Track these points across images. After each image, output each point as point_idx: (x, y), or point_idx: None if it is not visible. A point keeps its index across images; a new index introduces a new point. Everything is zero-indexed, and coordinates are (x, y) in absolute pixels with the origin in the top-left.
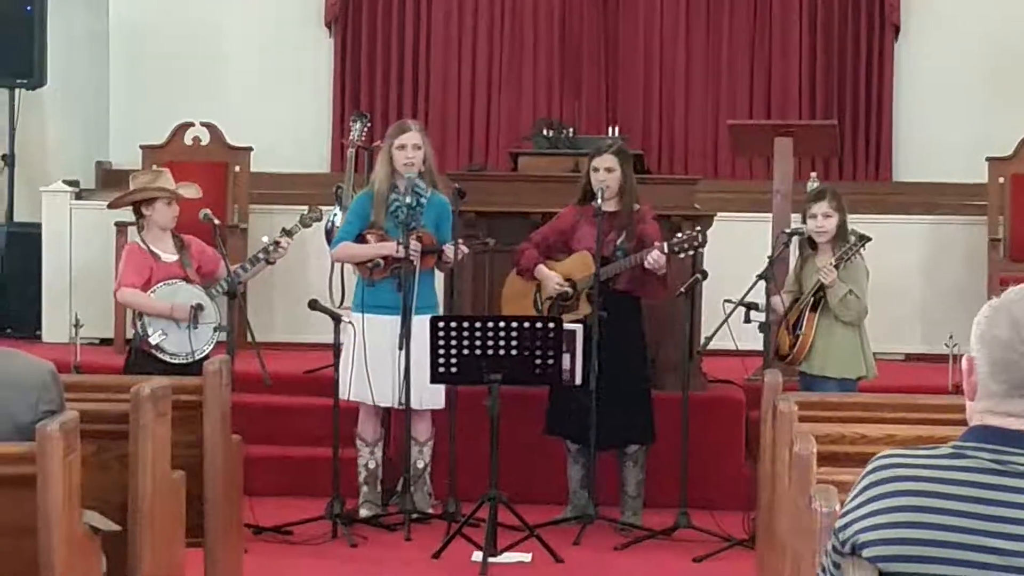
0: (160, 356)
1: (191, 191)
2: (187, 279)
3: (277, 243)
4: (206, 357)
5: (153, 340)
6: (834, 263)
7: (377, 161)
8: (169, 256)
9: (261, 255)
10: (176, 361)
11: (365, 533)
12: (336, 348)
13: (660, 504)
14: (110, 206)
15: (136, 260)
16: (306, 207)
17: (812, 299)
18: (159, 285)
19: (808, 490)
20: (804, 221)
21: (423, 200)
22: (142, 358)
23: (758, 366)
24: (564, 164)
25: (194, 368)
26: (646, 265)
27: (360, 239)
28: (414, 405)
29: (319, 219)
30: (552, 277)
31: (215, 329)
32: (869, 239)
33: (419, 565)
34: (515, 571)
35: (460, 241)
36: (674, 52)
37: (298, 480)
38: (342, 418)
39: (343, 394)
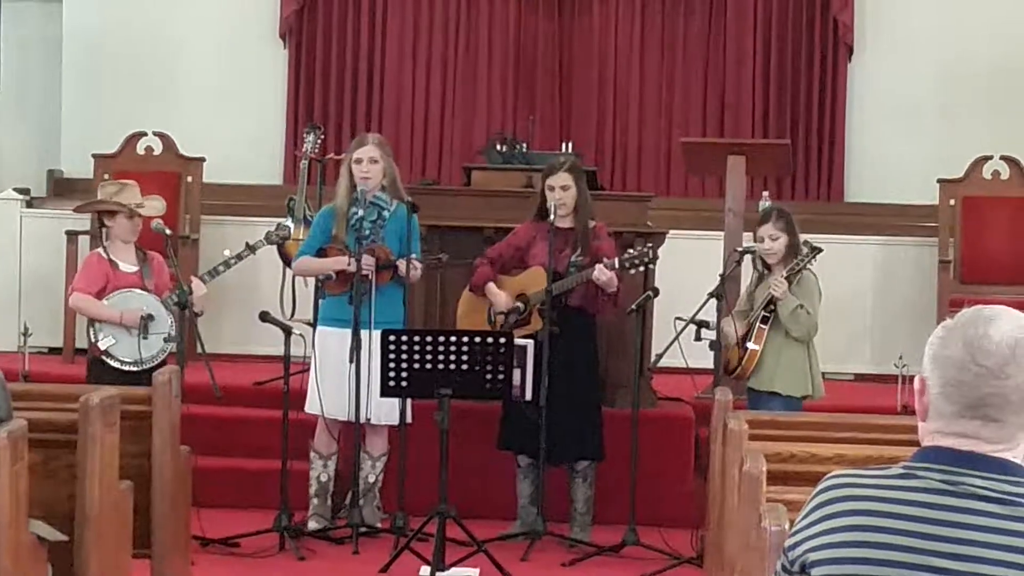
0: (109, 361)
1: (154, 207)
2: (144, 290)
3: (240, 256)
4: (159, 366)
5: (102, 345)
6: (785, 275)
7: (339, 175)
8: (129, 266)
9: (222, 267)
10: (126, 368)
11: (313, 546)
12: (287, 360)
13: (609, 521)
14: (75, 210)
15: (92, 268)
16: (273, 224)
17: (762, 313)
18: (115, 293)
19: (758, 509)
20: (755, 241)
21: (385, 213)
22: (97, 366)
23: (708, 384)
24: (517, 179)
25: (148, 378)
26: (595, 280)
27: (321, 253)
28: (372, 420)
29: (287, 237)
30: (500, 296)
31: (166, 339)
32: (820, 250)
33: None
34: None
35: (413, 257)
36: (628, 69)
37: (246, 492)
38: (293, 430)
39: (308, 407)
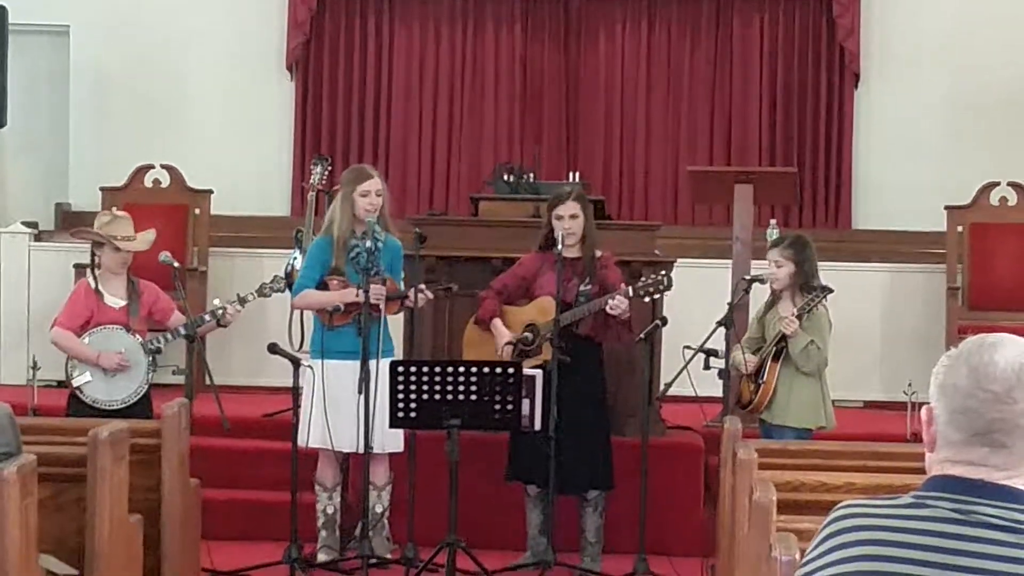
0: (81, 397)
1: (145, 240)
2: (127, 327)
3: (224, 309)
4: (134, 406)
5: (76, 382)
6: (796, 314)
7: (335, 206)
8: (116, 300)
9: (208, 316)
10: (98, 407)
11: None
12: (295, 392)
13: (619, 550)
14: (71, 235)
15: (77, 302)
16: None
17: (774, 348)
18: (97, 329)
19: (768, 538)
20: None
21: (380, 244)
22: (74, 401)
23: (717, 412)
24: (524, 209)
25: (124, 414)
26: (608, 310)
27: (321, 285)
28: (374, 449)
29: (280, 290)
30: (504, 335)
31: (147, 375)
32: (831, 291)
33: None
34: None
35: (423, 286)
36: (635, 98)
37: (256, 524)
38: (302, 462)
39: (302, 441)
